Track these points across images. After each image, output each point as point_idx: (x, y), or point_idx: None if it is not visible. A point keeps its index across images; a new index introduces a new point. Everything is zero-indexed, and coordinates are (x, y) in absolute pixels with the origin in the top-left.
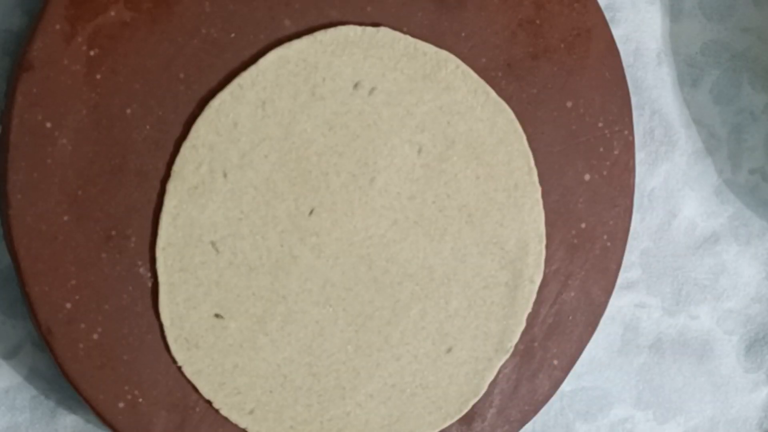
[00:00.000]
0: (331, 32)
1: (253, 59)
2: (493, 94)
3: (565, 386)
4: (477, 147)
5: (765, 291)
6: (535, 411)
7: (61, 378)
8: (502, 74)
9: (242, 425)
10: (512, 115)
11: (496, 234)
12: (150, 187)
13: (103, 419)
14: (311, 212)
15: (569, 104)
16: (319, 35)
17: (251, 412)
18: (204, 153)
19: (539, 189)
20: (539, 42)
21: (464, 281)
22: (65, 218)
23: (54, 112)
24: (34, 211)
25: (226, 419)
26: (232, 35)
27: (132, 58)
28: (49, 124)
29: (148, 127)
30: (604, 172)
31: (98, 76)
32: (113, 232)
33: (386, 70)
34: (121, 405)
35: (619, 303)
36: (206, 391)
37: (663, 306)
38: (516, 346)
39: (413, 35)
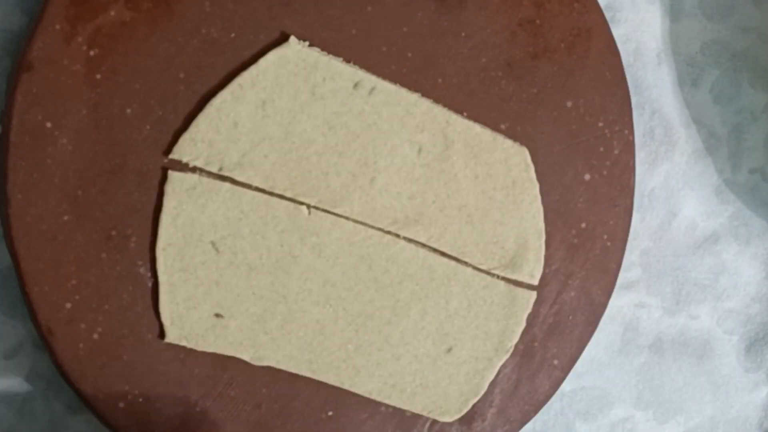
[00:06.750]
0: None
1: (253, 59)
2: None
3: (565, 386)
4: (474, 146)
5: (765, 291)
6: (535, 411)
7: (61, 378)
8: (502, 74)
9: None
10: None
11: (495, 233)
12: (150, 187)
13: (103, 419)
14: (311, 212)
15: (569, 104)
16: None
17: None
18: (203, 148)
19: (537, 185)
20: (539, 42)
21: (464, 281)
22: (65, 218)
23: (54, 112)
24: (34, 211)
25: (226, 419)
26: (232, 35)
27: (132, 58)
28: (49, 124)
29: (148, 127)
30: (604, 172)
31: (98, 76)
32: (113, 232)
33: None
34: (121, 405)
35: (619, 303)
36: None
37: (663, 306)
38: (516, 346)
39: (413, 35)
